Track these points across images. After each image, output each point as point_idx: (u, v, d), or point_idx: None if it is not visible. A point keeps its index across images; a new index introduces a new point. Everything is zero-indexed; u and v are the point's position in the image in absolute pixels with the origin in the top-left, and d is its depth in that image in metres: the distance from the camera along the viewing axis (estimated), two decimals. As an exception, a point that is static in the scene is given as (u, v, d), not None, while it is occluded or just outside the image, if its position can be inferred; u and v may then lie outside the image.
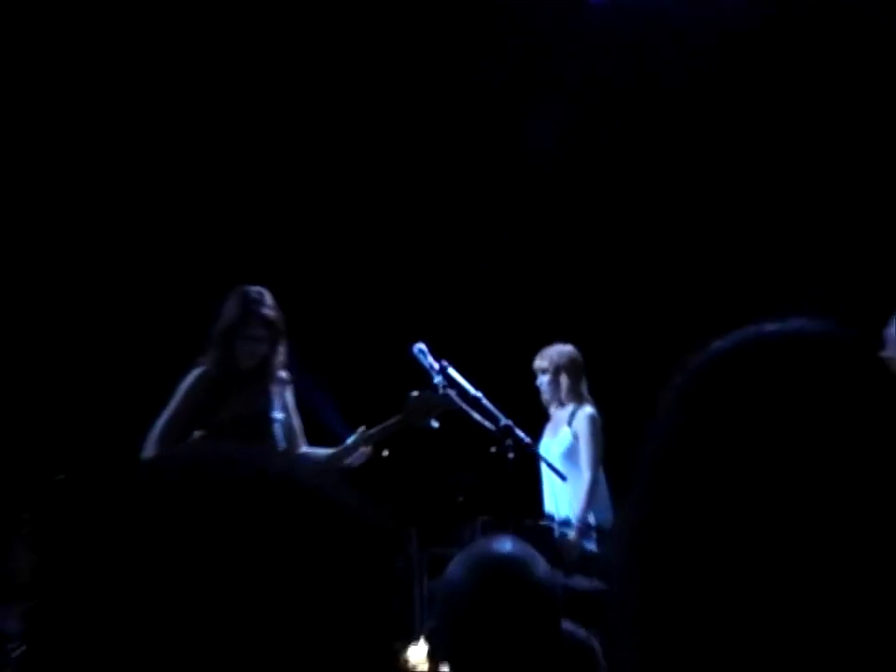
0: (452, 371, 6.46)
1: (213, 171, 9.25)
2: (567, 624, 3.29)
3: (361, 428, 6.33)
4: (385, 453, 6.62)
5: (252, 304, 6.30)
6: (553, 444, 7.63)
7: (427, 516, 8.76)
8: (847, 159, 9.22)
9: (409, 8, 9.30)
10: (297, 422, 6.56)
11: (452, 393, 6.27)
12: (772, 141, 9.37)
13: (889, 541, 1.14)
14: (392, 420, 6.25)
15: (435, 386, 6.33)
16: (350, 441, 6.32)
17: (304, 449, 6.52)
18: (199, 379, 6.37)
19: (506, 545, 2.87)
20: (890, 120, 8.99)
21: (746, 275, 8.83)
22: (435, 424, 6.24)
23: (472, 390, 6.43)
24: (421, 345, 6.53)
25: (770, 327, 1.26)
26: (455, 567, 2.88)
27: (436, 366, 6.44)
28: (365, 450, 6.27)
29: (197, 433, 6.31)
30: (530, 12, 9.29)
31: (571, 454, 7.56)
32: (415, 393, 6.21)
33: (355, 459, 6.28)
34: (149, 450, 6.26)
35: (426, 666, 5.08)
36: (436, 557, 8.85)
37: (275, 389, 6.46)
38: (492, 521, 7.38)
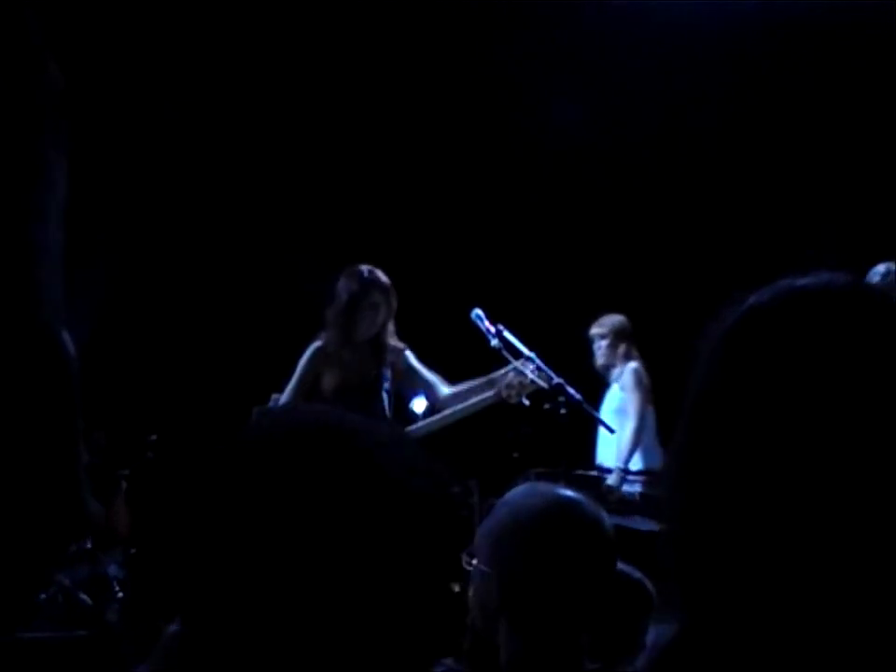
0: (507, 334, 6.91)
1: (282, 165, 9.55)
2: (621, 565, 3.31)
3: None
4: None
5: (369, 275, 6.84)
6: (606, 404, 8.10)
7: (486, 468, 9.13)
8: (856, 145, 9.41)
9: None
10: (429, 375, 7.08)
11: (530, 369, 6.60)
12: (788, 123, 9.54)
13: None
14: (490, 394, 6.77)
15: (501, 353, 6.74)
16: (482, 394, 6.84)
17: (445, 389, 7.02)
18: (314, 353, 6.92)
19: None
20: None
21: (768, 241, 9.02)
22: (526, 402, 6.74)
23: (526, 351, 6.85)
24: (479, 311, 6.98)
25: (802, 280, 1.32)
26: (507, 510, 2.83)
27: (492, 329, 6.90)
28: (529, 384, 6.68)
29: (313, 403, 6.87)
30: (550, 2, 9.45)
31: (621, 409, 7.98)
32: (510, 373, 6.68)
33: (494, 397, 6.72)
34: None
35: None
36: (493, 506, 9.29)
37: (388, 359, 7.01)
38: (544, 472, 7.72)
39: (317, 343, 6.96)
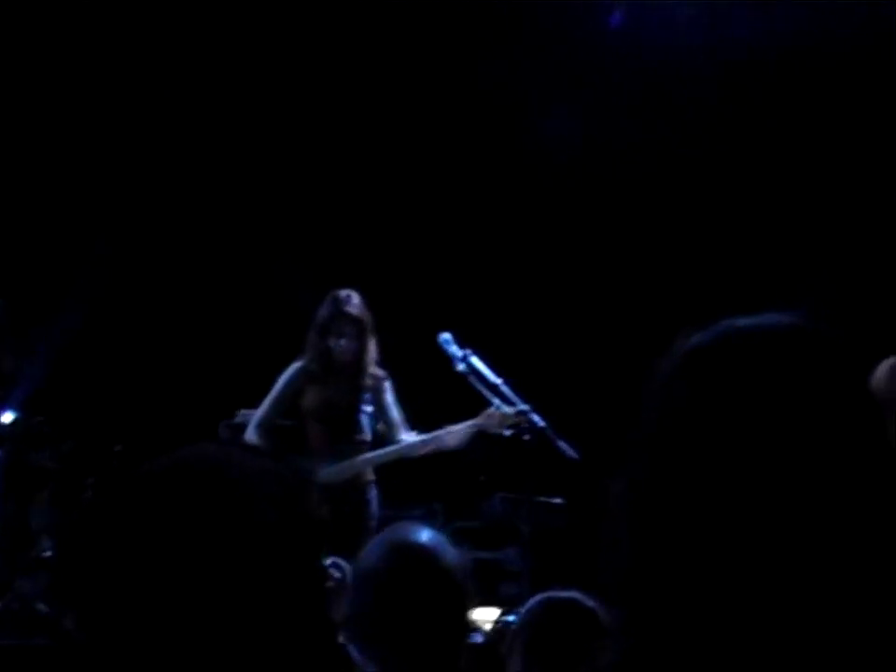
0: (474, 360, 6.96)
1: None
2: (574, 593, 3.46)
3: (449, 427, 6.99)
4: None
5: (340, 304, 6.91)
6: None
7: (452, 492, 9.19)
8: (838, 165, 9.48)
9: (423, 7, 9.50)
10: (396, 414, 7.15)
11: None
12: (765, 148, 9.62)
13: (847, 506, 1.25)
14: (473, 422, 6.91)
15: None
16: (432, 435, 7.02)
17: (404, 436, 7.11)
18: (296, 372, 7.04)
19: (419, 533, 2.94)
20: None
21: (742, 271, 9.07)
22: (507, 432, 6.83)
23: (493, 377, 6.93)
24: (447, 335, 7.04)
25: (744, 321, 1.34)
26: (370, 553, 2.95)
27: (460, 354, 6.95)
28: (464, 432, 6.92)
29: (289, 421, 7.04)
30: (545, 13, 9.50)
31: None
32: (493, 407, 6.82)
33: (453, 440, 6.94)
34: (249, 434, 6.98)
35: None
36: (459, 530, 9.33)
37: (368, 384, 7.08)
38: (508, 497, 7.76)
39: (300, 363, 7.06)
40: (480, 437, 8.00)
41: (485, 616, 7.06)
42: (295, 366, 7.07)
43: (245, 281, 9.22)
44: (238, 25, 9.42)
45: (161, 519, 1.38)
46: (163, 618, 1.35)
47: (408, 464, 7.92)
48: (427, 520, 9.16)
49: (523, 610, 3.54)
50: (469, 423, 6.95)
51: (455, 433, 6.96)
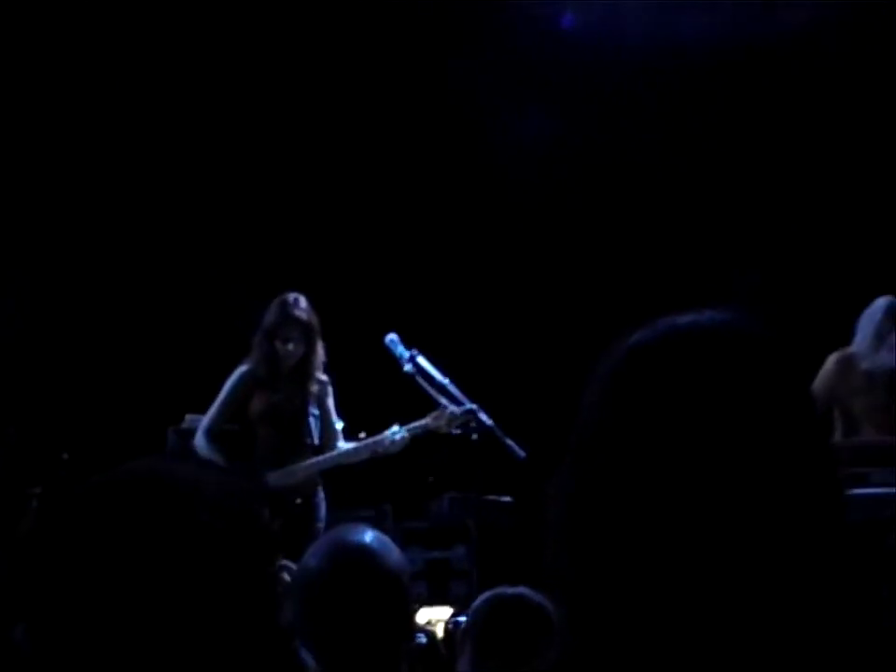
0: (421, 360, 6.98)
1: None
2: (522, 589, 3.52)
3: (394, 427, 7.02)
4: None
5: (288, 308, 6.91)
6: None
7: (401, 493, 9.21)
8: (778, 162, 9.60)
9: (394, 12, 9.54)
10: (335, 419, 7.19)
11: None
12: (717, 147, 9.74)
13: (770, 509, 1.25)
14: (422, 422, 6.95)
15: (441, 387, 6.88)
16: (377, 437, 7.05)
17: (341, 444, 7.16)
18: (242, 376, 7.03)
19: (362, 535, 2.95)
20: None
21: (680, 269, 9.16)
22: (455, 432, 6.88)
23: (440, 377, 6.94)
24: (393, 335, 7.06)
25: (685, 319, 1.34)
26: (312, 554, 2.94)
27: (406, 355, 6.97)
28: (404, 437, 6.98)
29: (237, 426, 7.04)
30: (497, 15, 9.52)
31: None
32: (442, 407, 6.87)
33: (394, 446, 6.98)
34: (198, 439, 6.96)
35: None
36: (409, 530, 9.35)
37: (314, 389, 7.09)
38: (457, 497, 7.78)
39: (246, 367, 7.05)
40: (427, 438, 8.06)
41: (436, 615, 7.08)
42: (241, 370, 7.05)
43: (190, 285, 9.18)
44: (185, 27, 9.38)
45: (111, 532, 1.39)
46: (114, 630, 1.36)
47: (357, 465, 7.95)
48: (377, 521, 9.21)
49: (471, 609, 3.56)
50: (415, 424, 6.98)
51: (398, 436, 7.01)
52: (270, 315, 6.95)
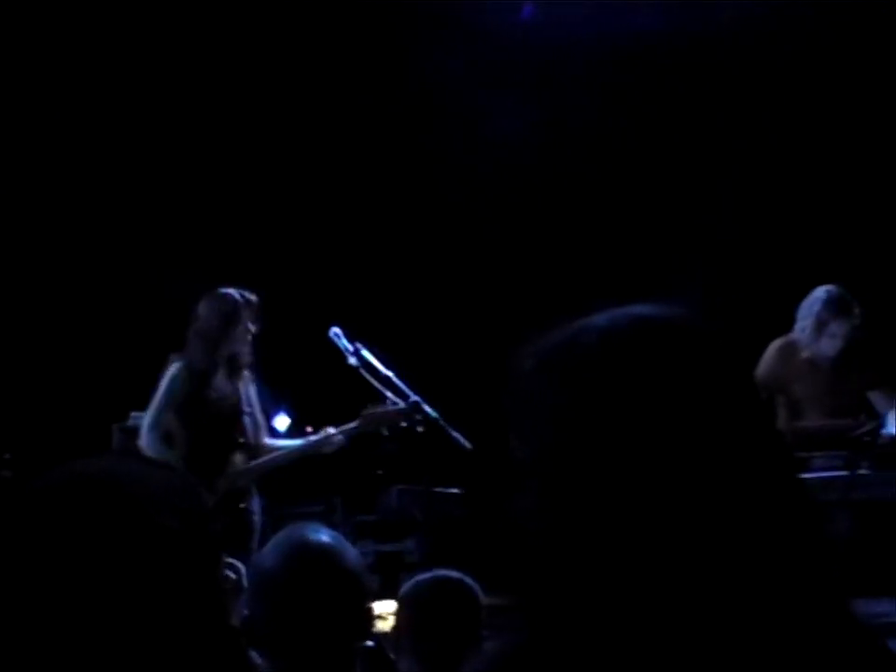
0: (365, 353, 6.99)
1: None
2: (454, 573, 3.62)
3: (329, 430, 7.03)
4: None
5: (236, 306, 6.86)
6: None
7: (351, 486, 9.21)
8: (725, 156, 9.65)
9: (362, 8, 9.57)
10: (260, 417, 7.16)
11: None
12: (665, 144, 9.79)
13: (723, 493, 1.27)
14: (352, 425, 6.96)
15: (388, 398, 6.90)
16: (313, 440, 7.08)
17: (268, 441, 7.16)
18: (181, 371, 6.91)
19: (320, 534, 2.95)
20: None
21: (624, 262, 9.21)
22: (386, 432, 6.91)
23: (384, 369, 6.95)
24: (337, 329, 7.06)
25: (639, 309, 1.36)
26: (268, 554, 2.94)
27: (350, 348, 6.98)
28: (339, 439, 6.99)
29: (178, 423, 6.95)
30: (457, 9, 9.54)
31: None
32: (372, 407, 6.92)
33: (328, 447, 7.01)
34: (146, 439, 6.88)
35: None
36: (359, 524, 9.35)
37: (242, 385, 7.06)
38: (405, 489, 7.80)
39: (180, 363, 6.97)
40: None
41: (388, 609, 7.08)
42: (177, 366, 6.95)
43: (134, 281, 9.14)
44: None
45: (64, 533, 1.38)
46: (66, 631, 1.36)
47: (306, 460, 7.95)
48: (327, 515, 9.20)
49: (402, 593, 3.56)
50: (348, 426, 6.99)
51: (332, 439, 7.02)
52: (214, 312, 6.91)
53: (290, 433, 7.67)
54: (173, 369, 6.92)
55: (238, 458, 7.03)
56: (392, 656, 3.63)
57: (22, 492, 1.43)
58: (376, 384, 6.90)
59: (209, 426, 6.96)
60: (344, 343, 6.99)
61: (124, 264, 9.15)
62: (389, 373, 6.93)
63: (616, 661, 1.27)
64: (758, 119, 9.53)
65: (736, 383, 1.34)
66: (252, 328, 6.90)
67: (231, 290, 6.93)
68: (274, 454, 7.09)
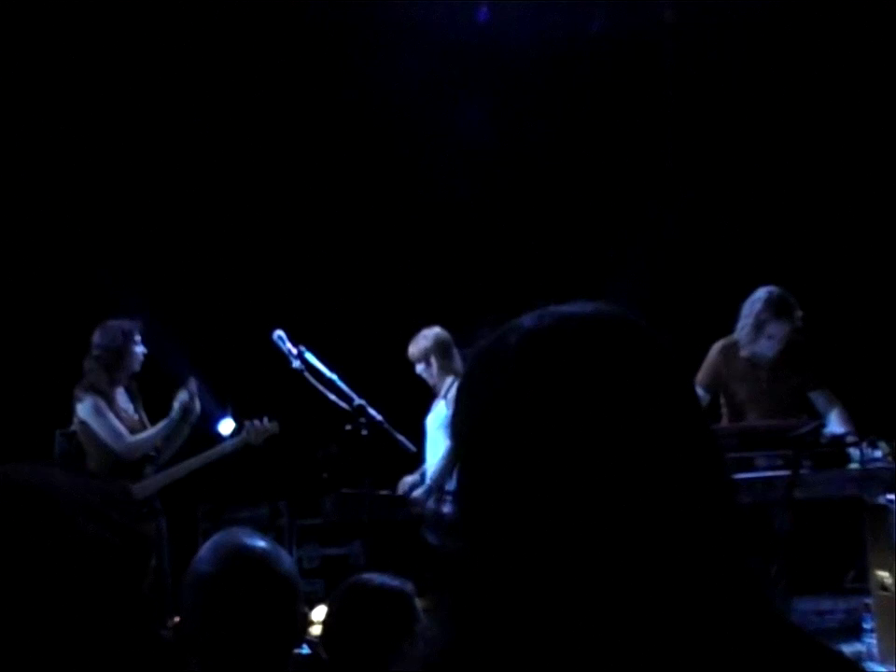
0: (308, 356, 6.98)
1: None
2: (381, 577, 3.60)
3: (226, 440, 7.56)
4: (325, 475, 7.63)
5: (130, 333, 7.36)
6: (431, 417, 8.04)
7: (296, 490, 9.20)
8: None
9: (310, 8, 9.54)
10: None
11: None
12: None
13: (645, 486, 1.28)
14: (235, 440, 7.49)
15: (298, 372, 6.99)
16: (194, 460, 7.46)
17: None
18: (95, 401, 7.36)
19: (254, 539, 2.95)
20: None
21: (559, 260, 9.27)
22: (347, 427, 7.00)
23: (328, 373, 6.95)
24: (280, 332, 7.05)
25: (568, 308, 1.38)
26: (203, 560, 2.91)
27: (294, 351, 6.97)
28: (267, 429, 7.50)
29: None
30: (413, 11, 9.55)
31: (446, 425, 7.90)
32: (253, 421, 7.48)
33: (255, 440, 7.47)
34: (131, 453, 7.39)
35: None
36: (304, 528, 9.34)
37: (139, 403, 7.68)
38: (350, 493, 7.77)
39: (88, 394, 7.34)
40: (319, 434, 8.07)
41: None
42: (90, 397, 7.34)
43: (77, 286, 9.08)
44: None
45: None
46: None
47: (251, 464, 7.99)
48: (272, 518, 9.19)
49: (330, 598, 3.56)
50: (236, 440, 7.49)
51: (222, 450, 7.48)
52: (105, 339, 7.31)
53: (234, 437, 7.68)
54: (88, 402, 7.30)
55: (147, 469, 7.45)
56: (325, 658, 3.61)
57: None
58: (320, 387, 6.89)
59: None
60: (288, 346, 6.99)
61: (63, 265, 9.10)
62: (333, 376, 6.93)
63: (536, 662, 1.28)
64: (705, 118, 9.59)
65: (662, 378, 1.34)
66: (143, 350, 7.38)
67: (120, 320, 7.38)
68: (184, 464, 7.47)
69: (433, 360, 7.93)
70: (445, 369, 7.98)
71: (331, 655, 3.50)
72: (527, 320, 1.37)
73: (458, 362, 7.94)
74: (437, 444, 7.91)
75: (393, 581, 3.57)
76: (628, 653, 1.26)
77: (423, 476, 8.09)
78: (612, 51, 9.62)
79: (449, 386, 7.97)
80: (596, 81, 9.79)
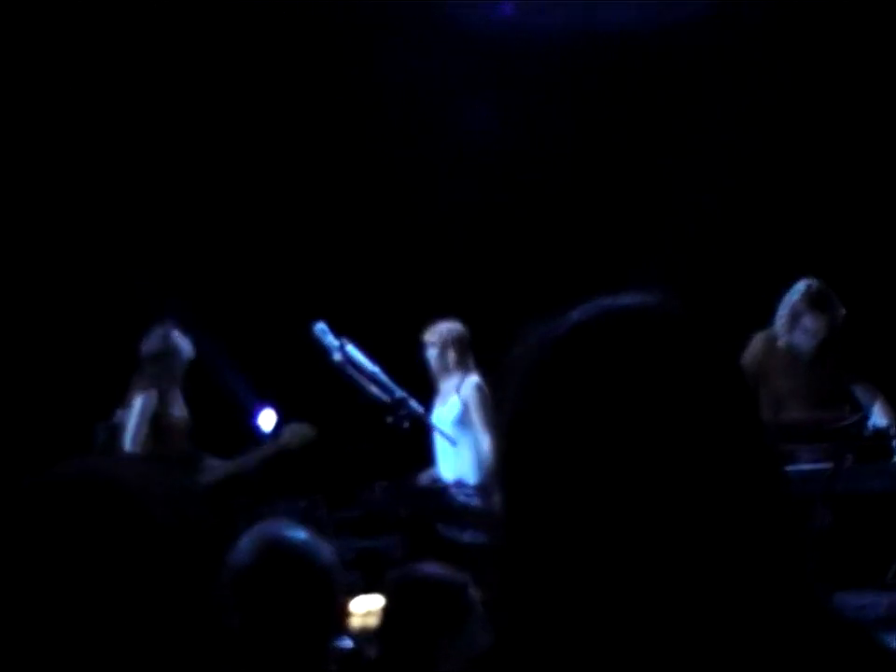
0: (350, 349, 6.98)
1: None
2: (438, 568, 3.61)
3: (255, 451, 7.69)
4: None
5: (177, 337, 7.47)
6: (443, 412, 8.00)
7: (333, 483, 9.21)
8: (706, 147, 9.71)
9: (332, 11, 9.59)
10: None
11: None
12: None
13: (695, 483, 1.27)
14: (269, 447, 7.62)
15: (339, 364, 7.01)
16: (231, 463, 7.61)
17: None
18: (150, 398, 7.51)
19: (294, 531, 2.98)
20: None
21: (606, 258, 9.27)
22: (388, 420, 7.09)
23: (370, 366, 6.96)
24: (322, 325, 7.06)
25: (616, 301, 1.37)
26: (241, 550, 2.91)
27: (336, 343, 6.97)
28: (305, 434, 7.62)
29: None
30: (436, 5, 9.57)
31: (461, 420, 7.89)
32: (290, 426, 7.59)
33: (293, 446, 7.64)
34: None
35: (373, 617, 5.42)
36: (341, 520, 9.35)
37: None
38: (388, 485, 7.79)
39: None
40: (357, 426, 8.08)
41: (372, 604, 7.09)
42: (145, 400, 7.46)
43: (113, 280, 9.12)
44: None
45: (64, 534, 1.37)
46: (62, 626, 1.35)
47: (288, 457, 8.01)
48: (310, 511, 9.21)
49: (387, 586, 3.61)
50: (270, 445, 7.61)
51: (256, 457, 7.62)
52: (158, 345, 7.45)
53: (277, 430, 7.69)
54: (138, 400, 7.41)
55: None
56: (374, 653, 3.64)
57: (19, 493, 1.42)
58: (361, 380, 6.89)
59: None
60: (330, 338, 6.98)
61: (107, 262, 9.13)
62: (375, 369, 6.93)
63: (587, 660, 1.27)
64: (735, 111, 9.55)
65: (711, 368, 1.33)
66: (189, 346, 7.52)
67: (159, 324, 7.52)
68: (215, 470, 7.64)
69: (450, 352, 7.79)
70: (461, 364, 7.89)
71: (386, 647, 3.51)
72: (574, 313, 1.36)
73: (472, 359, 7.91)
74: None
75: (450, 573, 3.58)
76: (678, 648, 1.25)
77: (438, 479, 8.04)
78: (633, 46, 9.59)
79: (461, 382, 7.91)
80: (618, 75, 9.76)
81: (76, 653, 1.35)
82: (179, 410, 7.56)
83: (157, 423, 7.46)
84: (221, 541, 1.53)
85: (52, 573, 1.36)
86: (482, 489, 7.64)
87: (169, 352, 7.42)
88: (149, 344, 7.43)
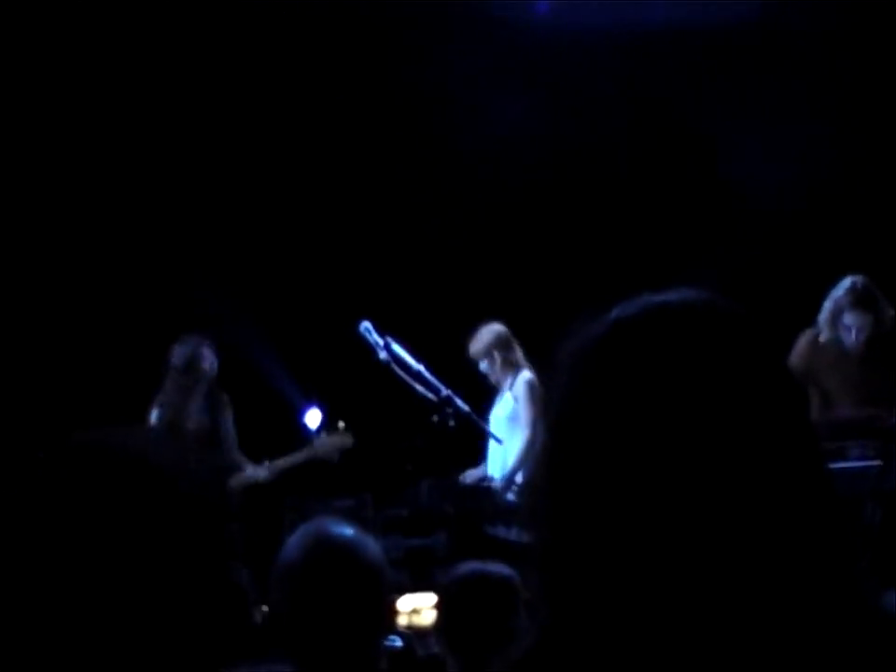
0: (396, 347, 6.99)
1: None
2: (492, 565, 3.64)
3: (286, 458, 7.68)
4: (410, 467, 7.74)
5: (199, 354, 7.58)
6: (499, 411, 8.01)
7: (380, 481, 9.22)
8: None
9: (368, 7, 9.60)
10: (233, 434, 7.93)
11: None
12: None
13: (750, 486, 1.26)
14: (301, 453, 7.61)
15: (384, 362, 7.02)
16: (262, 469, 7.64)
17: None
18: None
19: (342, 528, 2.97)
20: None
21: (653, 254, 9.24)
22: (434, 418, 7.10)
23: (415, 364, 6.96)
24: (367, 323, 7.07)
25: (663, 296, 1.36)
26: (290, 547, 2.95)
27: (381, 342, 6.98)
28: (341, 442, 7.67)
29: None
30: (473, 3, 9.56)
31: (514, 417, 7.90)
32: (323, 433, 7.64)
33: (328, 455, 7.67)
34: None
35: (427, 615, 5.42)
36: (388, 518, 9.36)
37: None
38: (435, 483, 7.79)
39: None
40: (404, 424, 8.08)
41: (421, 602, 7.09)
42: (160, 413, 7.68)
43: (154, 280, 9.18)
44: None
45: (93, 504, 1.37)
46: (83, 592, 1.35)
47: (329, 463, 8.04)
48: (357, 510, 9.22)
49: (441, 588, 3.59)
50: (302, 453, 7.61)
51: (287, 462, 7.66)
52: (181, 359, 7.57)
53: (322, 428, 7.70)
54: (154, 413, 7.60)
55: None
56: (433, 651, 3.65)
57: (44, 467, 1.41)
58: (407, 378, 6.90)
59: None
60: (375, 337, 7.00)
61: (158, 264, 9.18)
62: (420, 367, 6.93)
63: (633, 657, 1.26)
64: (779, 110, 9.50)
65: (757, 363, 1.32)
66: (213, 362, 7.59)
67: (190, 337, 7.62)
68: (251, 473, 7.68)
69: (496, 355, 7.80)
70: (508, 362, 7.88)
71: (448, 644, 3.52)
72: (616, 310, 1.36)
73: (520, 354, 7.89)
74: (504, 437, 7.80)
75: (506, 570, 3.60)
76: (725, 646, 1.25)
77: (490, 477, 8.03)
78: (676, 42, 9.55)
79: (513, 379, 7.90)
80: (660, 71, 9.72)
81: (96, 623, 1.35)
82: (194, 423, 7.62)
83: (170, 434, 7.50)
84: (232, 512, 1.50)
85: (76, 541, 1.36)
86: (514, 483, 7.67)
87: (191, 368, 7.51)
88: (175, 357, 7.54)
